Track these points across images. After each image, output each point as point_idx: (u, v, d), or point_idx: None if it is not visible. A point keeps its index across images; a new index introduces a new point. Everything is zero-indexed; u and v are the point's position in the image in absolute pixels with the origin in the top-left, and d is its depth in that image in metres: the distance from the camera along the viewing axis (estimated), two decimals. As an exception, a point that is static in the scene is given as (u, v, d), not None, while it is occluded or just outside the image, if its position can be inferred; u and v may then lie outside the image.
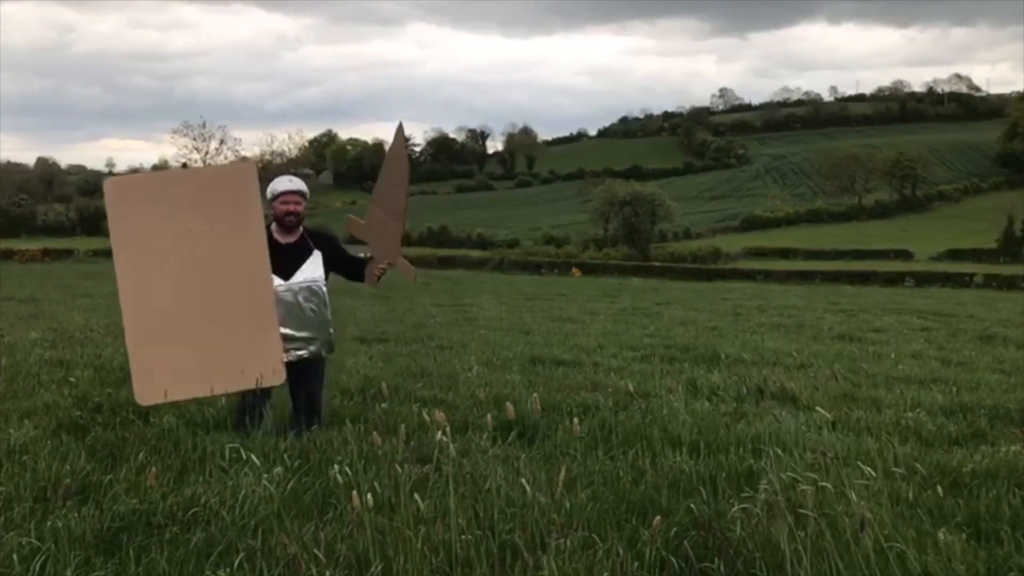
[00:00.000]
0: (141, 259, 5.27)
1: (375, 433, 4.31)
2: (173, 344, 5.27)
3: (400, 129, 5.91)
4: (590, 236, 76.20)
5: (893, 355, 10.86)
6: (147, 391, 5.32)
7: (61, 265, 43.85)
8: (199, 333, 5.30)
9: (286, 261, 5.61)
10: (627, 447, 5.30)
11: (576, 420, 4.92)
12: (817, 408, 4.47)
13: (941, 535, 3.73)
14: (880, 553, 3.30)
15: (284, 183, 5.85)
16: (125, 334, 5.37)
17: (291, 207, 5.76)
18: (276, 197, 5.78)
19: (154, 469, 4.41)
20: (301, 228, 5.89)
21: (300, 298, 5.64)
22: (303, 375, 5.74)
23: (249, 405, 5.51)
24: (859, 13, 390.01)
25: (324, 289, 5.82)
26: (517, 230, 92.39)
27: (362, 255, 5.97)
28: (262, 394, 5.48)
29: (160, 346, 5.26)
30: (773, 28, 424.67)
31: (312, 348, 5.70)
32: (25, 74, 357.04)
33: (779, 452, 4.71)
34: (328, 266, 5.90)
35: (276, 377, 5.46)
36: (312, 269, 5.79)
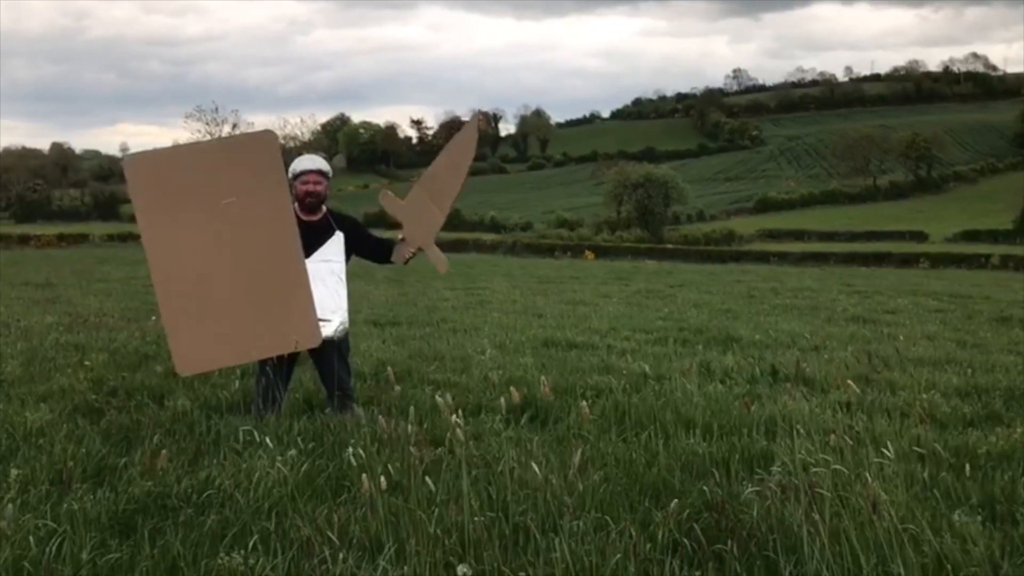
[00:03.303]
0: (168, 233, 5.28)
1: (382, 418, 4.31)
2: (207, 313, 5.31)
3: (475, 118, 5.90)
4: (603, 219, 75.97)
5: (902, 336, 10.80)
6: (186, 361, 5.39)
7: (76, 250, 44.07)
8: (232, 301, 5.34)
9: (306, 240, 5.55)
10: (640, 429, 5.30)
11: (588, 403, 4.92)
12: (849, 382, 4.44)
13: (956, 517, 3.72)
14: (896, 535, 3.29)
15: (305, 162, 5.83)
16: (159, 307, 5.42)
17: (311, 187, 5.74)
18: (297, 177, 5.75)
19: (165, 452, 4.42)
20: (324, 208, 5.87)
21: (317, 277, 5.61)
22: (321, 356, 5.73)
23: (264, 388, 5.52)
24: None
25: (343, 270, 5.81)
26: (530, 213, 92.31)
27: (399, 237, 5.95)
28: (277, 377, 5.48)
29: (195, 316, 5.31)
30: (786, 8, 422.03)
31: (326, 331, 5.66)
32: (40, 60, 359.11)
33: (795, 432, 4.69)
34: (351, 248, 5.88)
35: (312, 340, 5.48)
36: (332, 249, 5.76)
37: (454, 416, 3.73)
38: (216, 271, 5.31)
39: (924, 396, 6.48)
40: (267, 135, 5.64)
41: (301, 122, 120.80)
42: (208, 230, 5.29)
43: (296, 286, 5.40)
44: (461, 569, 3.15)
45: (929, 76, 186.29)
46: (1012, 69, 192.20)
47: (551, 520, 3.55)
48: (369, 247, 6.03)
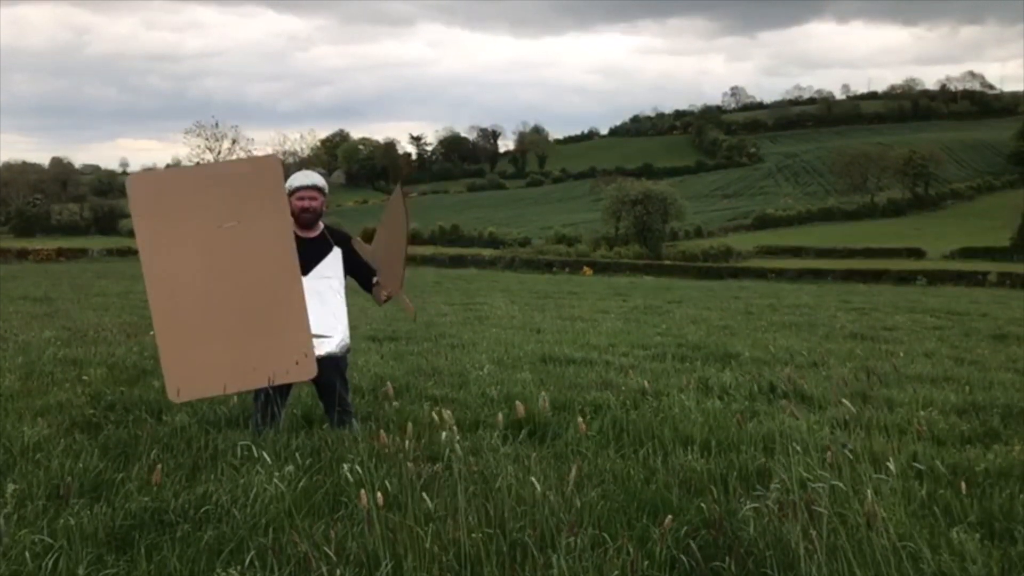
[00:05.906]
0: (167, 255, 5.23)
1: (382, 432, 4.31)
2: (204, 340, 5.23)
3: (400, 188, 5.86)
4: (601, 235, 75.94)
5: (903, 353, 10.80)
6: (180, 388, 5.29)
7: (75, 264, 44.07)
8: (229, 328, 5.26)
9: (305, 256, 5.52)
10: (638, 446, 5.29)
11: (585, 419, 4.91)
12: (844, 401, 4.45)
13: (955, 534, 3.72)
14: (894, 552, 3.29)
15: (300, 178, 5.81)
16: (155, 331, 5.34)
17: (306, 203, 5.71)
18: (293, 192, 5.72)
19: (159, 467, 4.39)
20: (321, 224, 5.86)
21: (316, 294, 5.59)
22: (320, 372, 5.70)
23: (262, 404, 5.50)
24: (866, 11, 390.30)
25: (342, 286, 5.79)
26: (529, 229, 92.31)
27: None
28: (276, 393, 5.46)
29: (191, 342, 5.23)
30: (782, 27, 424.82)
31: (327, 347, 5.63)
32: (42, 75, 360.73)
33: (792, 450, 4.68)
34: (345, 265, 5.87)
35: (308, 371, 5.40)
36: (331, 265, 5.74)
37: (445, 433, 3.73)
38: (214, 295, 5.25)
39: (922, 413, 6.48)
40: (270, 159, 5.61)
41: (301, 138, 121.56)
42: (208, 253, 5.24)
43: (295, 315, 5.33)
44: (458, 585, 3.14)
45: (926, 94, 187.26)
46: (1009, 87, 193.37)
47: (549, 536, 3.54)
48: (358, 269, 6.01)
